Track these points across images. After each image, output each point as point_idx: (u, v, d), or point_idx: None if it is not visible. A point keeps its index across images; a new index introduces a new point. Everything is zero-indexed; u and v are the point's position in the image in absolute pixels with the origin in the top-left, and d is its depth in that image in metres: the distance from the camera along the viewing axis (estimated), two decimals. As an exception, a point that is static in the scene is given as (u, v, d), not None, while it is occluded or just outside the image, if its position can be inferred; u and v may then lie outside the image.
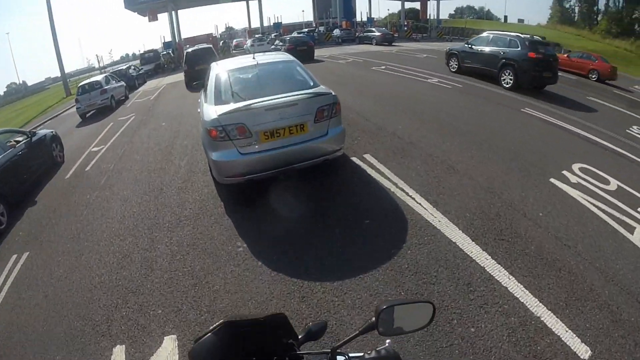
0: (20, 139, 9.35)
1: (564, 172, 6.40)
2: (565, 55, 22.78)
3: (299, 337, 1.33)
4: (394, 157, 6.99)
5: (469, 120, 9.24)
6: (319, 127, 5.55)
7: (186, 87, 19.96)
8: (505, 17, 72.23)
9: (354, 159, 7.01)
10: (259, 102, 5.26)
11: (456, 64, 16.54)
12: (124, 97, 20.70)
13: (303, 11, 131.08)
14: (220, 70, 6.32)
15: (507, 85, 13.52)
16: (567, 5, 67.82)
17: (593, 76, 20.68)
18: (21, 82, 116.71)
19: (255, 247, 4.84)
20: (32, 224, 7.03)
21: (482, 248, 4.33)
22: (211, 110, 5.47)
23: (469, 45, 15.93)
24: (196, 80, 18.21)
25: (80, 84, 19.13)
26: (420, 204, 5.37)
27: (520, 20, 70.68)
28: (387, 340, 1.32)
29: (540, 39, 15.16)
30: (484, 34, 15.98)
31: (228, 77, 6.07)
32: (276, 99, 5.33)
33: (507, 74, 13.61)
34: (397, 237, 4.67)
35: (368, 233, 4.86)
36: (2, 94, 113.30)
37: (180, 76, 22.92)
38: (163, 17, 43.35)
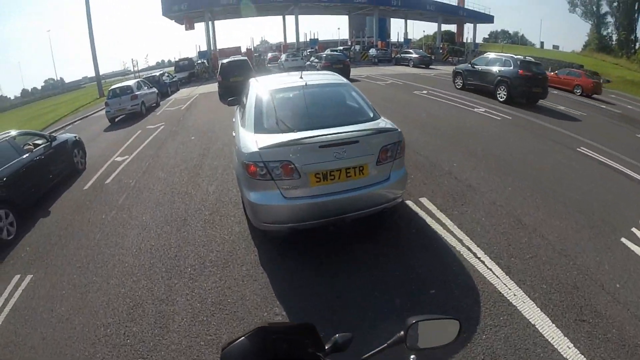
0: (39, 142, 8.75)
1: (634, 230, 5.45)
2: (554, 73, 25.19)
3: (326, 347, 1.29)
4: (454, 204, 5.97)
5: (527, 160, 8.20)
6: (380, 170, 4.51)
7: (219, 98, 19.36)
8: (542, 43, 71.59)
9: (410, 203, 5.99)
10: (311, 137, 4.24)
11: (461, 82, 18.53)
12: (155, 104, 20.19)
13: (339, 29, 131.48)
14: (262, 89, 5.33)
15: (502, 99, 15.57)
16: (605, 33, 66.30)
17: (577, 91, 23.09)
18: (59, 78, 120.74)
19: (297, 314, 3.85)
20: (41, 239, 6.36)
21: (563, 332, 3.56)
22: (250, 140, 4.47)
23: (472, 65, 17.92)
24: (230, 92, 17.69)
25: (112, 87, 18.63)
26: (490, 269, 4.38)
27: (556, 47, 69.74)
28: (412, 356, 1.34)
29: (532, 59, 16.52)
30: (484, 55, 18.18)
31: (271, 99, 5.08)
32: (333, 133, 4.31)
33: (501, 89, 15.68)
34: (468, 314, 3.74)
35: (434, 306, 3.87)
36: (39, 88, 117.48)
37: (213, 86, 22.44)
38: (199, 26, 43.49)
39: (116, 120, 17.46)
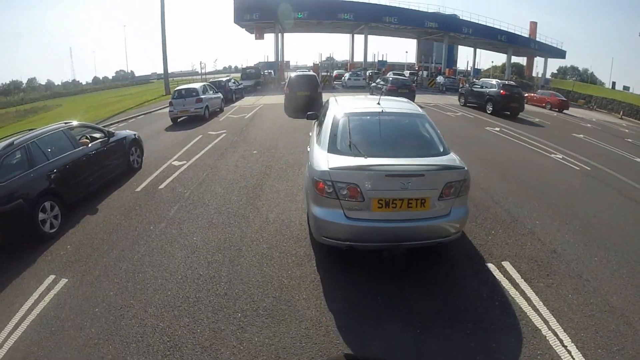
0: (97, 136, 8.57)
1: None
2: (532, 94, 33.20)
3: None
4: (538, 273, 5.02)
5: (612, 224, 7.02)
6: (442, 205, 4.57)
7: (284, 110, 19.07)
8: (614, 83, 67.57)
9: (491, 266, 5.08)
10: (380, 165, 4.45)
11: (463, 100, 25.05)
12: (219, 109, 20.06)
13: (407, 52, 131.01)
14: (340, 111, 5.57)
15: (489, 112, 21.53)
16: None
17: (547, 106, 30.20)
18: (129, 71, 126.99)
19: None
20: (84, 240, 6.04)
21: None
22: (322, 159, 4.75)
23: (471, 88, 24.88)
24: (296, 105, 17.98)
25: (177, 88, 18.65)
26: None
27: (626, 88, 65.75)
28: None
29: (513, 83, 26.04)
30: (480, 80, 27.19)
31: (347, 121, 5.25)
32: (401, 164, 4.51)
33: (489, 105, 21.75)
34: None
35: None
36: (110, 78, 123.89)
37: (279, 98, 22.24)
38: (269, 37, 43.94)
39: (178, 120, 17.40)
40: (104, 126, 18.22)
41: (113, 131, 9.44)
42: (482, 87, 23.32)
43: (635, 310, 4.47)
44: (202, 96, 17.59)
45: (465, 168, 4.68)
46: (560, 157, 12.41)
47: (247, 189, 7.84)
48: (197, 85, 18.39)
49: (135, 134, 10.09)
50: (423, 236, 4.59)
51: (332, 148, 4.89)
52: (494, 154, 11.85)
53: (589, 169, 11.31)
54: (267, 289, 4.52)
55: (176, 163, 10.01)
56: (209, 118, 17.79)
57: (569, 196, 8.41)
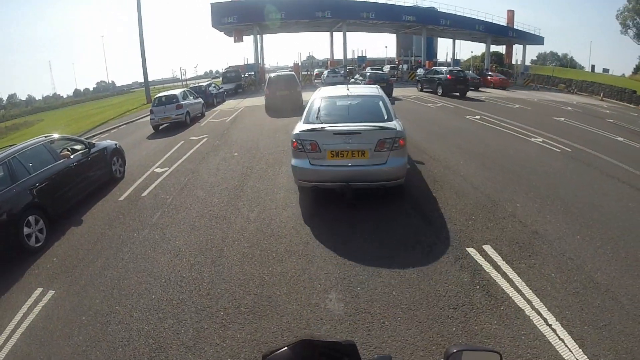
0: (78, 147, 8.63)
1: None
2: (485, 77, 38.45)
3: None
4: (520, 255, 5.13)
5: (594, 202, 7.23)
6: (378, 156, 6.20)
7: (266, 111, 19.10)
8: (593, 66, 68.77)
9: (472, 251, 5.19)
10: (330, 127, 6.42)
11: (420, 86, 29.00)
12: (200, 114, 20.03)
13: (386, 47, 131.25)
14: (318, 96, 7.68)
15: (439, 94, 25.25)
16: None
17: (492, 85, 36.84)
18: (110, 81, 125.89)
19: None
20: (69, 251, 6.14)
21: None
22: (298, 127, 6.75)
23: (424, 75, 29.51)
24: (277, 105, 18.45)
25: (157, 95, 18.57)
26: (563, 340, 3.62)
27: (606, 70, 67.04)
28: None
29: (460, 69, 32.25)
30: (433, 68, 32.35)
31: (320, 102, 7.40)
32: (345, 126, 6.42)
33: (439, 88, 25.59)
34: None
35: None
36: (91, 89, 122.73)
37: (259, 100, 22.24)
38: (248, 39, 43.70)
39: (160, 128, 17.36)
40: (86, 138, 18.25)
41: (94, 142, 9.48)
42: (434, 74, 27.84)
43: (621, 285, 4.56)
44: (183, 102, 17.57)
45: (397, 129, 6.35)
46: (541, 140, 12.60)
47: (228, 190, 7.93)
48: (177, 92, 18.36)
49: (116, 144, 10.12)
50: (367, 178, 6.29)
51: (306, 120, 6.88)
52: (474, 142, 12.02)
53: (569, 150, 11.51)
54: (249, 286, 4.62)
55: (158, 170, 10.06)
56: (190, 123, 17.78)
57: (549, 178, 8.57)
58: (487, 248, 5.25)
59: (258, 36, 42.68)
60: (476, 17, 49.05)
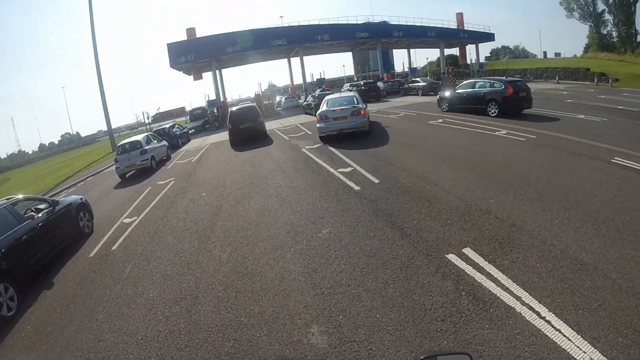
0: (42, 207, 8.40)
1: None
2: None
3: None
4: (501, 251, 5.12)
5: (567, 184, 7.37)
6: (354, 119, 14.41)
7: (231, 146, 18.95)
8: (545, 53, 71.50)
9: (452, 257, 5.14)
10: (331, 108, 14.91)
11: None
12: (165, 157, 19.77)
13: (344, 66, 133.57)
14: (327, 98, 16.61)
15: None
16: (605, 32, 65.51)
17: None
18: (75, 132, 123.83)
19: None
20: (42, 317, 5.92)
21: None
22: (320, 110, 15.41)
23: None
24: (241, 138, 18.81)
25: (120, 143, 18.28)
26: (559, 330, 3.59)
27: (557, 54, 69.93)
28: None
29: (370, 80, 45.04)
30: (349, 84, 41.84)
31: (327, 100, 16.24)
32: (338, 108, 14.79)
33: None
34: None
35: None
36: (56, 142, 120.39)
37: (224, 135, 22.08)
38: (207, 75, 43.79)
39: (127, 176, 17.01)
40: (53, 194, 17.90)
41: (57, 199, 9.24)
42: (350, 87, 35.22)
43: (608, 260, 4.59)
44: (147, 147, 17.27)
45: (361, 106, 14.83)
46: (505, 132, 12.86)
47: (198, 233, 7.74)
48: (140, 137, 18.02)
49: (81, 198, 9.89)
50: (351, 128, 14.46)
51: (322, 108, 15.53)
52: (440, 145, 12.18)
53: (534, 137, 11.77)
54: (228, 332, 4.44)
55: (127, 220, 9.80)
56: (156, 168, 17.50)
57: (519, 168, 8.69)
58: (467, 251, 5.23)
59: (217, 71, 42.77)
60: (427, 25, 50.44)
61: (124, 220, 9.86)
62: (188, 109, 66.94)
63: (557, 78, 42.62)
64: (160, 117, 65.11)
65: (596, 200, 6.46)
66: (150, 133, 20.72)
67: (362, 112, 14.36)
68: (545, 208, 6.31)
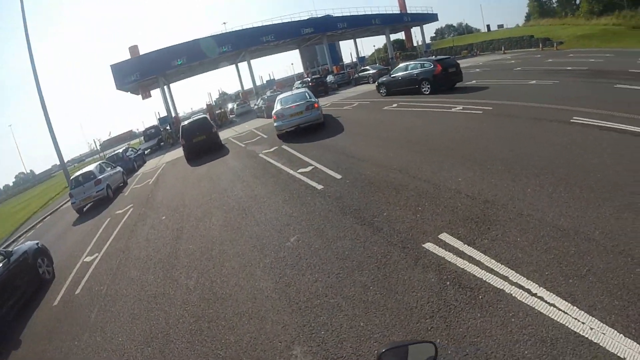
0: None
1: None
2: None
3: None
4: (479, 231, 4.97)
5: (530, 151, 7.37)
6: (308, 112, 15.03)
7: (187, 162, 18.38)
8: (488, 26, 73.64)
9: (429, 245, 4.94)
10: (285, 106, 15.52)
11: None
12: (122, 183, 18.97)
13: (292, 64, 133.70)
14: (279, 97, 17.08)
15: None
16: None
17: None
18: (29, 171, 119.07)
19: None
20: None
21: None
22: (275, 110, 15.90)
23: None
24: (196, 152, 18.52)
25: (72, 176, 17.34)
26: (554, 304, 3.45)
27: (500, 26, 72.10)
28: None
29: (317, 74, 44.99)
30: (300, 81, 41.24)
31: (280, 99, 16.67)
32: (292, 105, 15.40)
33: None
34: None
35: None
36: (11, 184, 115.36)
37: (180, 151, 21.42)
38: (157, 92, 42.59)
39: (84, 209, 16.23)
40: (12, 241, 16.90)
41: (11, 250, 8.67)
42: (301, 84, 34.39)
43: (587, 222, 4.51)
44: (100, 176, 16.44)
45: (312, 100, 15.56)
46: (461, 108, 12.89)
47: (162, 262, 7.29)
48: (92, 167, 17.11)
49: (37, 243, 9.33)
50: (307, 122, 15.04)
51: (277, 106, 16.01)
52: (398, 130, 12.11)
53: (490, 108, 11.84)
54: (205, 369, 4.10)
55: (88, 259, 9.24)
56: (113, 196, 16.73)
57: (479, 141, 8.66)
58: (444, 236, 5.05)
59: (165, 87, 41.75)
60: (371, 13, 50.86)
61: (85, 259, 9.29)
62: (141, 129, 65.32)
63: (502, 49, 43.73)
64: (108, 144, 63.90)
65: (563, 163, 6.43)
66: (102, 161, 19.86)
67: (316, 106, 15.23)
68: (515, 178, 6.23)
